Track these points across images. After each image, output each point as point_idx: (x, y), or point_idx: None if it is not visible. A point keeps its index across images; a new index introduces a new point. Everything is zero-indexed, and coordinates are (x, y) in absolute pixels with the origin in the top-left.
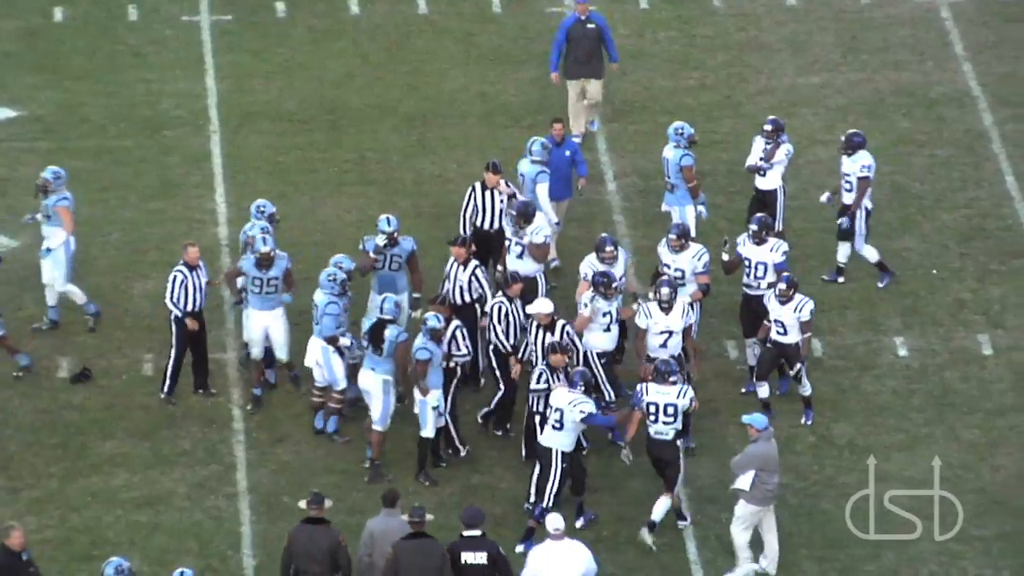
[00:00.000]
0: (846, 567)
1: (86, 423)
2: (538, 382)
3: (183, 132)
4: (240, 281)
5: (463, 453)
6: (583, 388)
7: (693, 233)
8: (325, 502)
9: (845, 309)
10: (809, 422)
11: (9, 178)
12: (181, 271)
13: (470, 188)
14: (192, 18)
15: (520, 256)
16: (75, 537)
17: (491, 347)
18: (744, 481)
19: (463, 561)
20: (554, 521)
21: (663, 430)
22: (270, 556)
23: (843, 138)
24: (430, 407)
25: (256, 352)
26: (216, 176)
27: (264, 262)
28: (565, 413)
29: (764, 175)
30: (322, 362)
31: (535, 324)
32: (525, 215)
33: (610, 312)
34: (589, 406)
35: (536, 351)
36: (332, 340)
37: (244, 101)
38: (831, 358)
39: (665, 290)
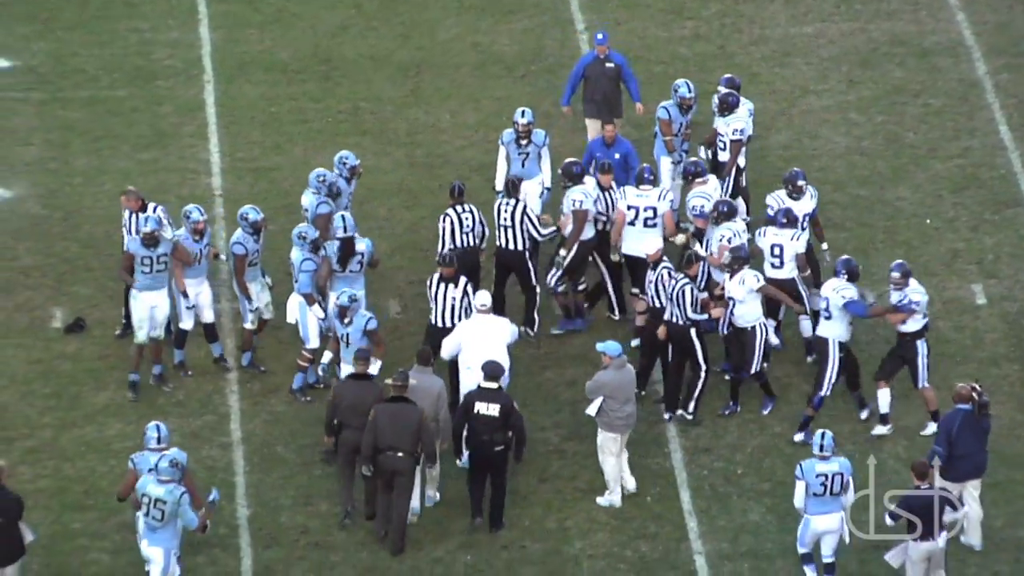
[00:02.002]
0: None
1: (80, 373)
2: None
3: (176, 82)
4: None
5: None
6: (847, 276)
7: (666, 184)
8: (371, 360)
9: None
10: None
11: (1, 128)
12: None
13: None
14: None
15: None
16: (69, 487)
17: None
18: (592, 407)
19: (476, 411)
20: (481, 298)
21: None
22: (263, 506)
23: (717, 98)
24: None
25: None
26: (209, 126)
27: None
28: (831, 300)
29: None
30: (298, 318)
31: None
32: (569, 174)
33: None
34: (851, 292)
35: (650, 290)
36: (308, 297)
37: (238, 51)
38: (712, 345)
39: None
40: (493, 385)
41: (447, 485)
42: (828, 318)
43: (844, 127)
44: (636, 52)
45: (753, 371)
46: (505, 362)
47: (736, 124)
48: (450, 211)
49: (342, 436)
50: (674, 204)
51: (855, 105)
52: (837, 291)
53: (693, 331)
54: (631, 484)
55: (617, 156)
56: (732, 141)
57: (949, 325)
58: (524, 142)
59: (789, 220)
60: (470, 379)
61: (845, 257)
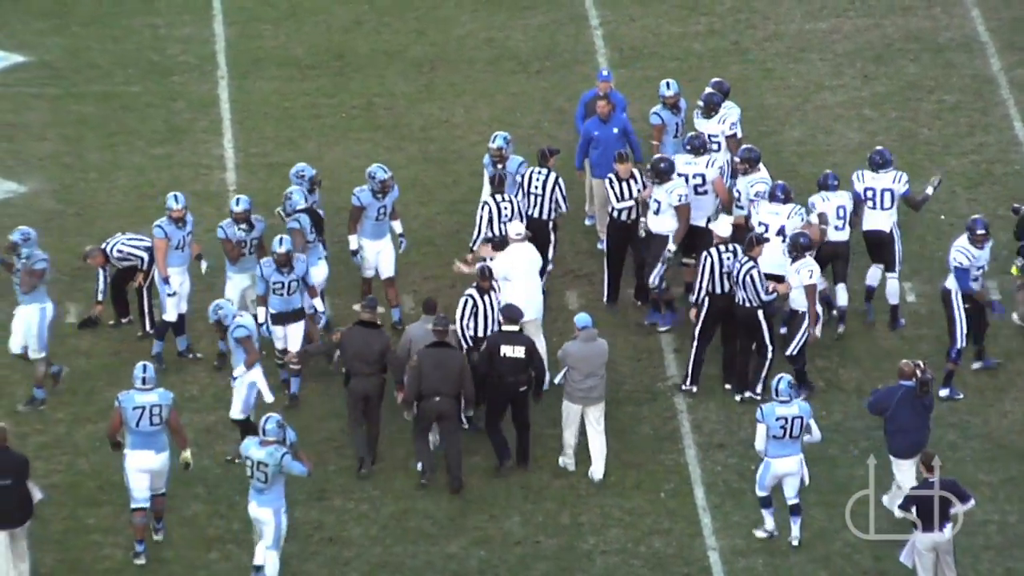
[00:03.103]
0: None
1: (94, 369)
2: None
3: (190, 77)
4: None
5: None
6: (968, 236)
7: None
8: (378, 307)
9: (854, 255)
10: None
11: (16, 123)
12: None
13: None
14: None
15: (657, 212)
16: (82, 482)
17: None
18: (558, 376)
19: (502, 354)
20: (515, 227)
21: None
22: None
23: (701, 100)
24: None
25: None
26: (223, 122)
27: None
28: (952, 257)
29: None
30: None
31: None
32: (657, 171)
33: None
34: (962, 256)
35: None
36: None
37: (251, 47)
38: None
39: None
40: (515, 328)
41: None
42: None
43: (858, 123)
44: (650, 48)
45: (789, 353)
46: (539, 289)
47: (730, 117)
48: (489, 199)
49: (350, 385)
50: (685, 198)
51: (869, 101)
52: (957, 249)
53: (760, 312)
54: (596, 472)
55: (615, 131)
56: (727, 137)
57: None
58: (500, 167)
59: (786, 196)
60: (510, 291)
61: (975, 217)
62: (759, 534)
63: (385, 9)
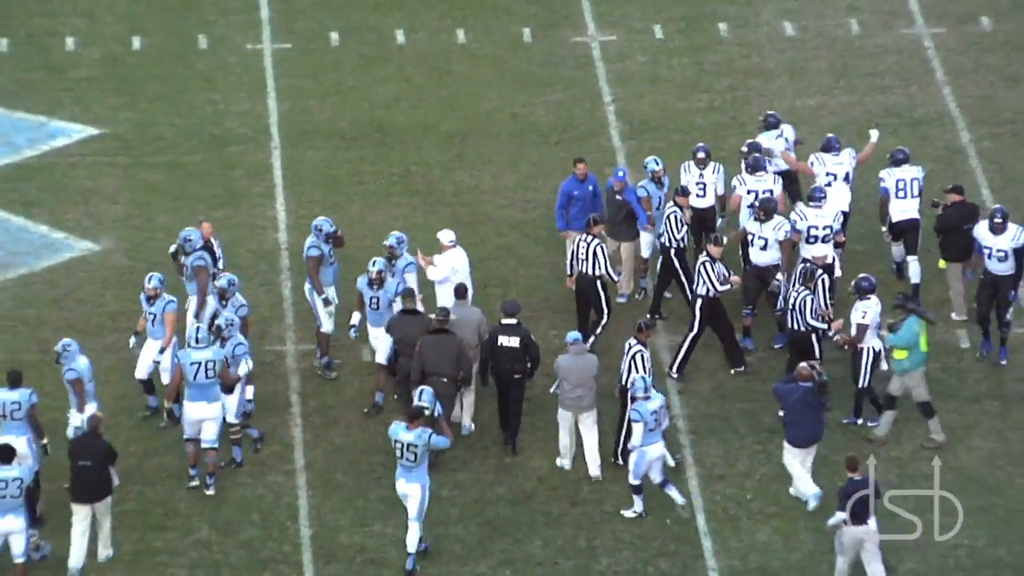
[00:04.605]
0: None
1: (161, 407)
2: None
3: (247, 148)
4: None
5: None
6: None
7: (644, 254)
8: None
9: (839, 308)
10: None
11: (92, 188)
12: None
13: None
14: (255, 46)
15: (764, 248)
16: (151, 509)
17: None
18: (553, 387)
19: (500, 343)
20: (446, 235)
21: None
22: (324, 527)
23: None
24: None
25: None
26: (276, 187)
27: (377, 281)
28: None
29: (703, 196)
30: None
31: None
32: (765, 209)
33: None
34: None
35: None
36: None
37: (301, 120)
38: (829, 349)
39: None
40: (513, 321)
41: (487, 508)
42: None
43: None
44: (656, 122)
45: (860, 387)
46: (471, 286)
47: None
48: (580, 237)
49: (399, 362)
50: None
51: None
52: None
53: (814, 336)
54: (593, 470)
55: (590, 188)
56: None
57: (937, 366)
58: (392, 263)
59: (766, 212)
60: (444, 292)
61: (997, 206)
62: (628, 514)
63: (421, 87)
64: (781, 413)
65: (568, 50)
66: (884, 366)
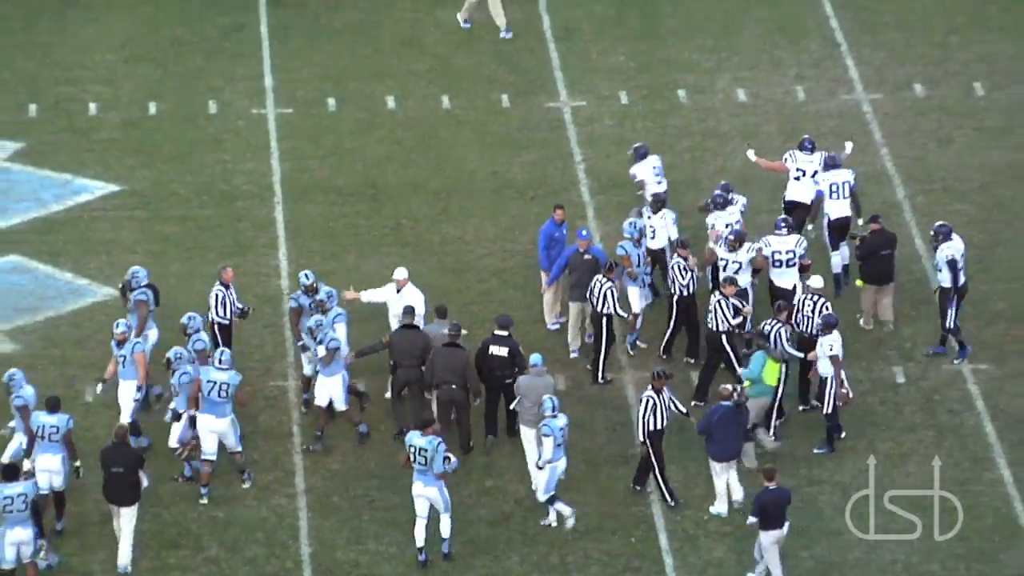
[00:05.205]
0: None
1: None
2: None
3: (252, 203)
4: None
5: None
6: None
7: (636, 309)
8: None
9: (844, 304)
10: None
11: (113, 239)
12: (220, 290)
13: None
14: (260, 111)
15: (737, 271)
16: (165, 530)
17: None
18: (514, 403)
19: (491, 352)
20: (399, 272)
21: None
22: (323, 545)
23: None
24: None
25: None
26: (279, 238)
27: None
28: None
29: (654, 239)
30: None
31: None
32: (739, 239)
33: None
34: None
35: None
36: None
37: (302, 178)
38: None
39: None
40: (504, 332)
41: (469, 528)
42: None
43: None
44: (623, 179)
45: (826, 413)
46: (421, 308)
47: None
48: (596, 277)
49: (397, 373)
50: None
51: None
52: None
53: (784, 365)
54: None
55: (565, 231)
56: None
57: (875, 400)
58: (313, 296)
59: (812, 146)
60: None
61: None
62: (545, 522)
63: (410, 149)
64: (699, 427)
65: (542, 115)
66: (851, 393)
